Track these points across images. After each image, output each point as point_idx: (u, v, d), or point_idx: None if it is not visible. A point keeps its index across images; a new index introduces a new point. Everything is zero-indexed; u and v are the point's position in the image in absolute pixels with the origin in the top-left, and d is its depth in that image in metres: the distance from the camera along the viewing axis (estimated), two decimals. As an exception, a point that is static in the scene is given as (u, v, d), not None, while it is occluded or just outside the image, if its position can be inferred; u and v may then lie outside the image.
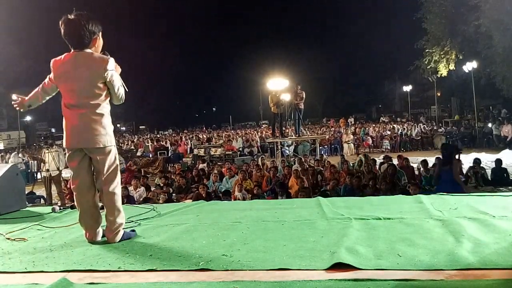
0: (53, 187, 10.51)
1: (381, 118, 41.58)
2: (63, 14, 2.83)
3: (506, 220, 2.96)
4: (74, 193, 3.03)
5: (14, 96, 3.24)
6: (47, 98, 3.14)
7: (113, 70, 2.88)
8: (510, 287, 1.89)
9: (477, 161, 11.17)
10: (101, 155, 2.90)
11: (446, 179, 7.04)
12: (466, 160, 12.17)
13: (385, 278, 2.03)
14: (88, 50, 2.88)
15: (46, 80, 3.04)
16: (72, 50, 2.89)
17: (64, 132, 2.92)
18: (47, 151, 10.48)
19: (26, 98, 3.15)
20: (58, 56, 2.94)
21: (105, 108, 2.92)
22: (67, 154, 2.99)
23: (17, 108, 3.22)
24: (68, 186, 10.04)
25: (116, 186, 2.98)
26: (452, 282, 1.98)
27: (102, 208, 3.03)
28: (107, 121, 2.92)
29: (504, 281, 1.94)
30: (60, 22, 2.84)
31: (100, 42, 2.98)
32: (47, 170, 10.26)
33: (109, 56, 2.95)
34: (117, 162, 3.02)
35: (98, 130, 2.85)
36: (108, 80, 2.85)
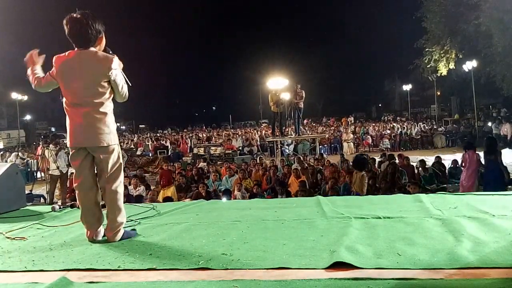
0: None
1: (384, 117, 41.62)
2: (63, 12, 2.82)
3: (505, 219, 2.96)
4: (76, 192, 3.03)
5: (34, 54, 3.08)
6: (39, 90, 3.05)
7: (117, 69, 2.89)
8: (509, 286, 1.89)
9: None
10: (104, 153, 2.90)
11: (492, 168, 7.59)
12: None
13: (384, 277, 2.03)
14: (92, 49, 2.88)
15: (46, 75, 2.99)
16: (76, 49, 2.88)
17: (68, 131, 2.92)
18: (46, 149, 10.46)
19: (38, 69, 3.04)
20: (60, 53, 2.92)
21: (108, 106, 2.92)
22: (70, 153, 2.99)
23: (29, 59, 3.05)
24: (70, 184, 10.05)
25: (119, 185, 2.98)
26: (451, 281, 1.98)
27: (103, 206, 3.03)
28: (110, 119, 2.93)
29: (504, 280, 1.94)
30: (64, 21, 2.82)
31: (103, 41, 2.98)
32: (48, 169, 10.26)
33: (111, 52, 2.94)
34: (121, 160, 3.02)
35: (102, 128, 2.86)
36: (112, 79, 2.85)
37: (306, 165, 11.52)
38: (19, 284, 2.21)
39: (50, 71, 2.97)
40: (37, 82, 3.01)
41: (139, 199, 8.32)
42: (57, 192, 10.48)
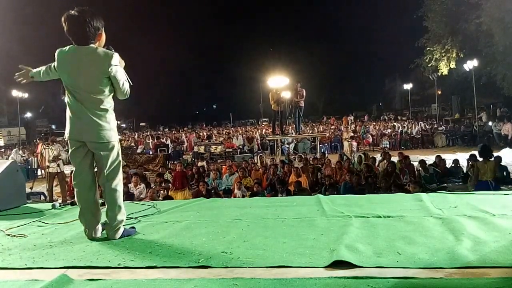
0: (54, 183, 10.50)
1: (384, 115, 41.64)
2: (64, 10, 2.80)
3: (506, 219, 2.96)
4: (75, 190, 3.02)
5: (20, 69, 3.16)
6: (47, 79, 3.10)
7: (117, 65, 2.88)
8: (509, 285, 1.89)
9: (472, 157, 11.15)
10: (104, 150, 2.90)
11: None
12: (466, 158, 12.17)
13: (384, 276, 2.03)
14: (92, 45, 2.87)
15: (52, 65, 2.99)
16: (76, 45, 2.87)
17: (68, 125, 2.92)
18: (46, 147, 10.48)
19: (33, 69, 3.13)
20: (62, 47, 2.91)
21: (109, 103, 2.92)
22: (70, 150, 2.97)
23: (20, 80, 3.17)
24: (69, 182, 10.06)
25: (118, 183, 2.98)
26: (451, 280, 1.98)
27: (103, 204, 3.03)
28: (111, 116, 2.93)
29: (504, 279, 1.94)
30: (62, 19, 2.81)
31: (103, 37, 2.97)
32: (48, 167, 10.28)
33: (113, 50, 2.94)
34: (120, 158, 3.02)
35: (102, 125, 2.86)
36: (112, 75, 2.85)
37: (307, 163, 11.52)
38: (19, 281, 2.21)
39: (54, 64, 2.95)
40: (46, 69, 3.06)
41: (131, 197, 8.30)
42: (58, 189, 10.51)
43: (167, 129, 43.02)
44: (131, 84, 3.04)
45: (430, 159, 12.01)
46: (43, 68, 3.09)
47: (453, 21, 23.11)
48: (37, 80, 3.17)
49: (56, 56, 2.90)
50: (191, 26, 61.78)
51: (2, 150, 22.49)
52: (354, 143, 20.08)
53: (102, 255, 2.59)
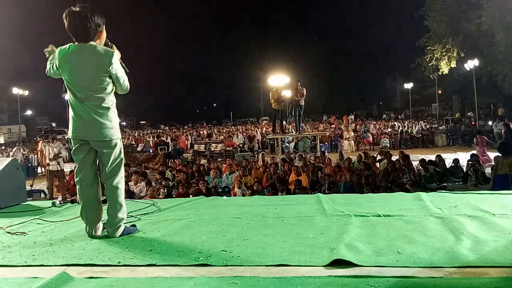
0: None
1: (384, 115, 41.67)
2: (65, 7, 2.80)
3: (505, 218, 2.95)
4: (77, 187, 3.02)
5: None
6: (52, 75, 3.02)
7: (117, 63, 2.88)
8: (509, 285, 1.89)
9: (473, 156, 11.16)
10: (106, 148, 2.90)
11: None
12: (466, 158, 12.18)
13: (384, 275, 2.03)
14: (92, 43, 2.86)
15: (54, 64, 2.95)
16: (76, 43, 2.87)
17: (70, 123, 2.92)
18: (47, 145, 10.48)
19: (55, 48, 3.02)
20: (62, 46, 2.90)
21: (110, 101, 2.92)
22: (72, 148, 2.97)
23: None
24: (69, 180, 10.07)
25: (120, 181, 2.98)
26: (451, 280, 1.98)
27: (104, 202, 3.03)
28: (112, 114, 2.93)
29: (503, 279, 1.94)
30: (64, 15, 2.80)
31: (104, 35, 2.96)
32: (48, 164, 10.29)
33: (110, 44, 2.93)
34: (122, 156, 3.02)
35: (104, 123, 2.86)
36: (113, 73, 2.85)
37: (308, 162, 11.52)
38: (19, 279, 2.21)
39: (56, 64, 2.94)
40: (48, 69, 3.02)
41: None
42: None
43: (167, 128, 43.10)
44: (127, 71, 3.03)
45: (430, 158, 11.99)
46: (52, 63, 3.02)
47: (454, 21, 23.13)
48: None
49: (57, 55, 2.89)
50: (193, 25, 61.75)
51: (3, 147, 22.50)
52: (345, 142, 20.15)
53: (102, 253, 2.59)
